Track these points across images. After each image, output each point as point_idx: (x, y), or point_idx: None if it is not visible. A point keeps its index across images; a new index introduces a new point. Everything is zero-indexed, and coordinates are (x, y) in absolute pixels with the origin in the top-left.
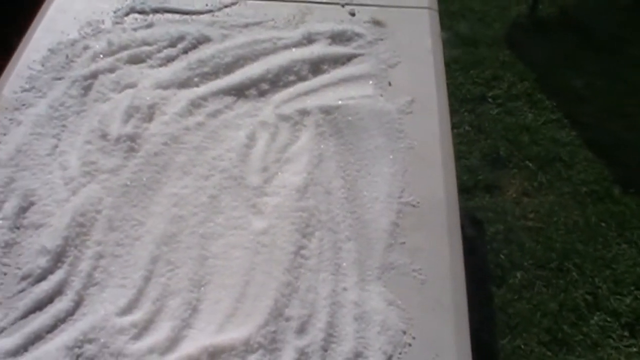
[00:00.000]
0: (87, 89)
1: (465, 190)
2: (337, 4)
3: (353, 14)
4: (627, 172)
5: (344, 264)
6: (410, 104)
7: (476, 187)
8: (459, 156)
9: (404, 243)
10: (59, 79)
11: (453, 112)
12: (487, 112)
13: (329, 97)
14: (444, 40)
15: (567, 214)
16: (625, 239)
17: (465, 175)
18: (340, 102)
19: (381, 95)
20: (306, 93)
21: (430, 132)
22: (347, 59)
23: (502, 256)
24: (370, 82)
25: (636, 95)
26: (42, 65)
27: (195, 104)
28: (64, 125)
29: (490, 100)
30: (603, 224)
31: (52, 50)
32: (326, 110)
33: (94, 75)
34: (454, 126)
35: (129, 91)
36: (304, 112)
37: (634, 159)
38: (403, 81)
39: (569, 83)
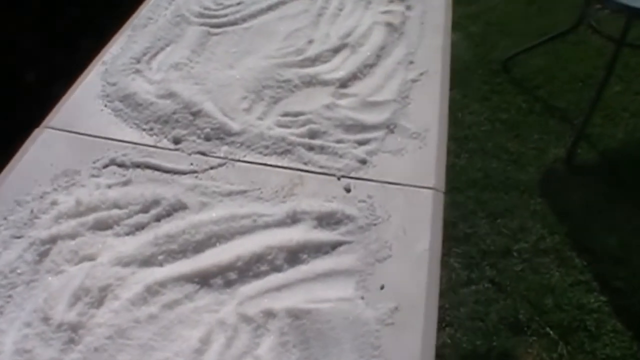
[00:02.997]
0: (42, 255)
1: (477, 358)
2: (333, 175)
3: (348, 190)
4: None
5: None
6: (393, 313)
7: (489, 355)
8: (473, 317)
9: None
10: (19, 237)
11: (474, 265)
12: (511, 267)
13: (301, 297)
14: (474, 180)
15: None
16: None
17: (479, 340)
18: (312, 306)
19: (362, 298)
20: (277, 288)
21: (411, 354)
22: (331, 247)
23: None
24: (353, 279)
25: None
26: (5, 219)
27: (152, 291)
28: (9, 296)
29: (515, 254)
30: None
31: (18, 202)
32: (295, 315)
33: (53, 240)
34: (472, 282)
35: (84, 266)
36: (270, 314)
37: None
38: (390, 282)
39: (602, 240)
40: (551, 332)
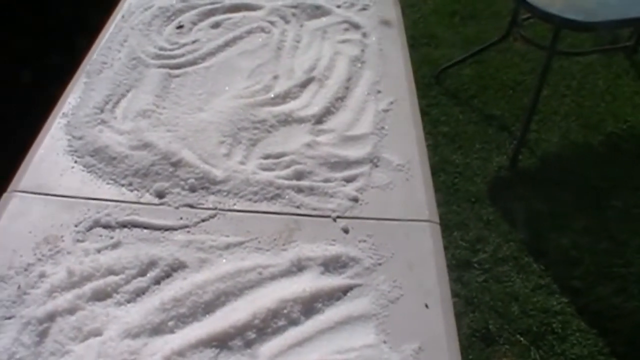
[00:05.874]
0: (42, 335)
1: None
2: (328, 217)
3: (347, 231)
4: (620, 342)
5: None
6: (417, 353)
7: None
8: None
9: None
10: (9, 318)
11: None
12: (474, 279)
13: (325, 349)
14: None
15: None
16: None
17: None
18: (338, 357)
19: (384, 342)
20: (299, 343)
21: None
22: (342, 292)
23: None
24: (371, 324)
25: (622, 254)
26: None
27: None
28: None
29: (476, 265)
30: None
31: (1, 278)
32: None
33: (51, 317)
34: None
35: (92, 342)
36: None
37: (625, 326)
38: (407, 321)
39: (555, 242)
40: (522, 339)
